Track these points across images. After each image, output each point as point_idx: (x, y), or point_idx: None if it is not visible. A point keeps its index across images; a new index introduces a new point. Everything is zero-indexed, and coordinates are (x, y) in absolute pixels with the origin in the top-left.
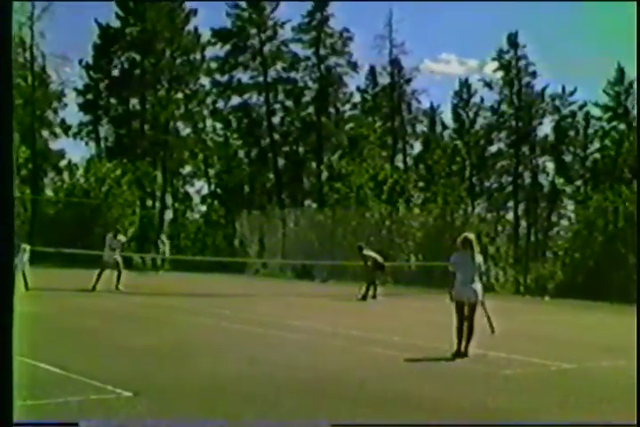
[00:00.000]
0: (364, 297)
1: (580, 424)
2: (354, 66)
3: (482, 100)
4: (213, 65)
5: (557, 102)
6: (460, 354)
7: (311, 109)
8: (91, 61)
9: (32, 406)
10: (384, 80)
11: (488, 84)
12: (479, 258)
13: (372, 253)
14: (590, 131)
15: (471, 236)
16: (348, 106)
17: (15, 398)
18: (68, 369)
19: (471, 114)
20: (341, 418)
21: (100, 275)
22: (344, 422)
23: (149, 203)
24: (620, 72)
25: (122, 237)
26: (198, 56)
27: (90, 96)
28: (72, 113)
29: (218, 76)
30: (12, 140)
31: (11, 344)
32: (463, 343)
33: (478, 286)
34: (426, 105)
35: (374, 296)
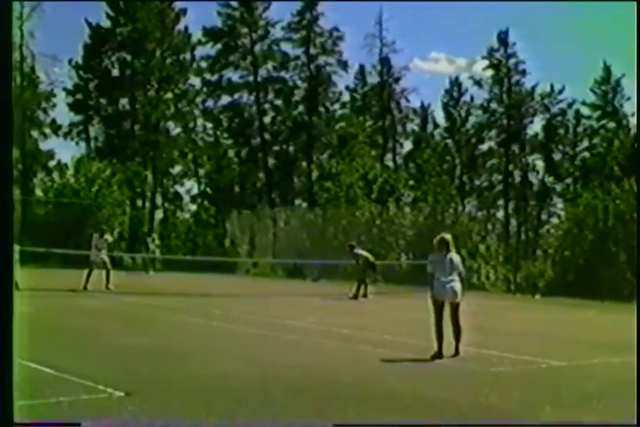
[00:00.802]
0: (355, 296)
1: (580, 424)
2: (344, 65)
3: (472, 98)
4: (204, 64)
5: (547, 101)
6: (440, 355)
7: (301, 109)
8: (81, 61)
9: (24, 407)
10: (373, 79)
11: (478, 83)
12: (457, 258)
13: (363, 252)
14: (580, 129)
15: (448, 236)
16: (337, 105)
17: None
18: (60, 369)
19: (462, 112)
20: (332, 417)
21: (89, 275)
22: (340, 422)
23: (139, 203)
24: (607, 71)
25: (108, 237)
26: (188, 56)
27: (79, 96)
28: (62, 113)
29: (208, 76)
30: (11, 143)
31: (11, 344)
32: (453, 343)
33: (458, 286)
34: (416, 104)
35: (365, 295)
